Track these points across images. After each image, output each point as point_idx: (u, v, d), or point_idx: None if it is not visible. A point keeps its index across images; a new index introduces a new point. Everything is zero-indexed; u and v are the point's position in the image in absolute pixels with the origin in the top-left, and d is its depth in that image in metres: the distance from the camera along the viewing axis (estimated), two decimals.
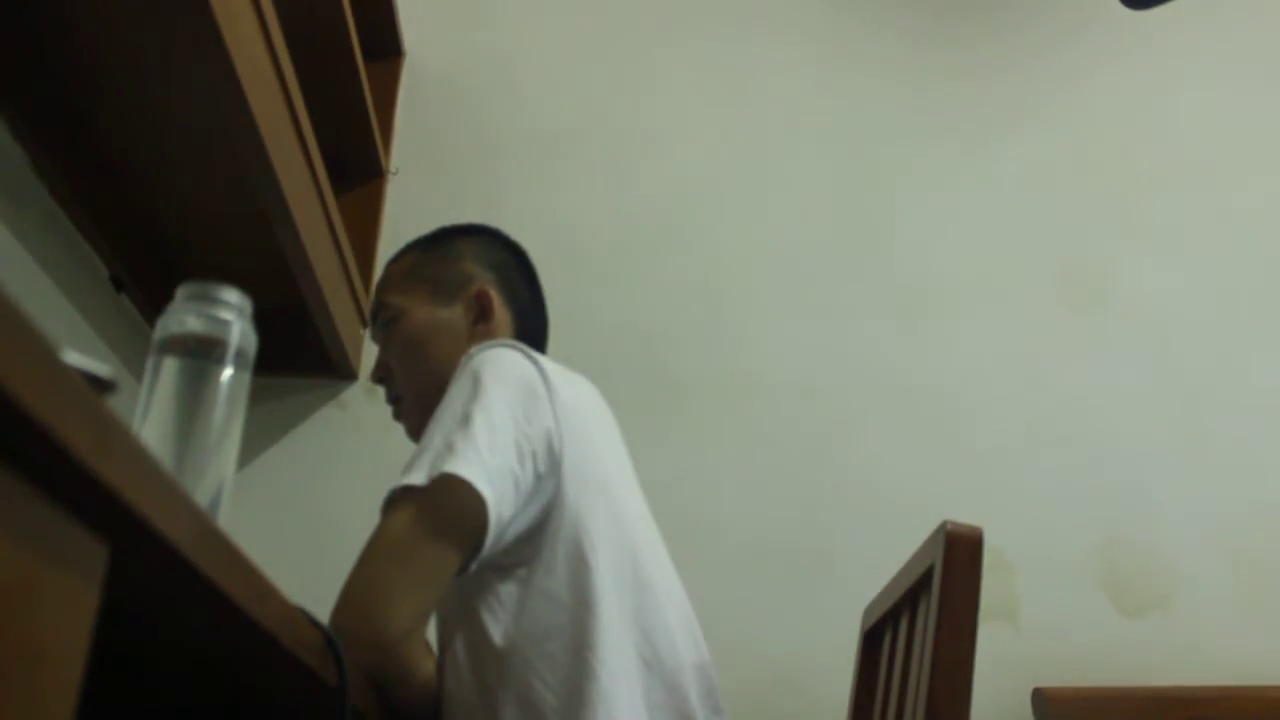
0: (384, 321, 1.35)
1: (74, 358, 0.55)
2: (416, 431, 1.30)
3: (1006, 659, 2.02)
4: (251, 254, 1.70)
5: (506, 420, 1.10)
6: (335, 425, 2.17)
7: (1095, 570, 2.15)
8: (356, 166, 2.22)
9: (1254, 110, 2.47)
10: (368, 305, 2.21)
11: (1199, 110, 2.47)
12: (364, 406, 2.19)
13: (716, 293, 2.30)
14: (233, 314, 0.81)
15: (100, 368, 0.60)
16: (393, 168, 2.33)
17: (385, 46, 2.36)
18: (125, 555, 0.41)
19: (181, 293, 0.81)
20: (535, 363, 1.17)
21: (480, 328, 1.32)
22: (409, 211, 2.30)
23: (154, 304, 1.82)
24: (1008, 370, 2.27)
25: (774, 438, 2.20)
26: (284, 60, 1.44)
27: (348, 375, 2.18)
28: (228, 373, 0.80)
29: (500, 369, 1.14)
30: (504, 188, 2.32)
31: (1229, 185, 2.42)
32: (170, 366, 0.79)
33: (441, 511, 1.04)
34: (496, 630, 1.09)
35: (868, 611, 1.52)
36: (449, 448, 1.06)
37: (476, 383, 1.12)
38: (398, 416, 1.36)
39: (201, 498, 0.78)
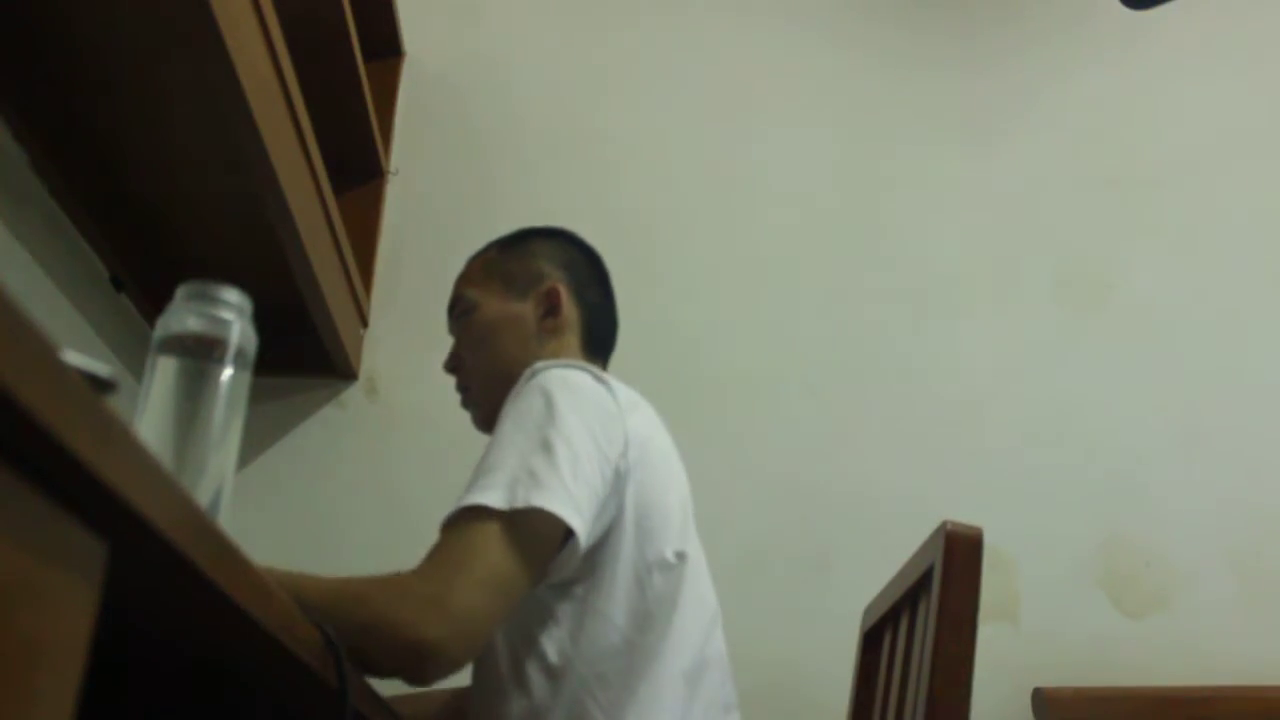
0: (459, 314, 1.39)
1: (74, 358, 0.55)
2: (483, 420, 1.35)
3: (1006, 659, 2.02)
4: (251, 254, 1.70)
5: (587, 446, 1.10)
6: (335, 425, 2.17)
7: (1095, 570, 2.15)
8: (356, 166, 2.22)
9: (1254, 107, 2.47)
10: (368, 305, 2.21)
11: (1200, 107, 2.47)
12: (364, 406, 2.19)
13: (714, 292, 2.30)
14: (233, 314, 0.81)
15: (100, 368, 0.60)
16: (393, 168, 2.33)
17: (385, 46, 2.36)
18: (125, 555, 0.41)
19: (181, 293, 0.81)
20: (605, 384, 1.18)
21: (549, 323, 1.35)
22: (409, 211, 2.29)
23: (154, 304, 1.83)
24: (1007, 370, 2.27)
25: (773, 438, 2.20)
26: (284, 60, 1.44)
27: (348, 375, 2.18)
28: (228, 373, 0.80)
29: (575, 392, 1.14)
30: (504, 187, 2.32)
31: (1229, 184, 2.41)
32: (170, 366, 0.79)
33: (533, 546, 1.04)
34: (551, 648, 1.11)
35: (868, 612, 1.52)
36: (531, 475, 1.04)
37: (550, 404, 1.11)
38: (465, 405, 1.39)
39: (201, 498, 0.78)
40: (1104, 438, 2.22)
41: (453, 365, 1.39)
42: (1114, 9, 1.96)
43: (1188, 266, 2.36)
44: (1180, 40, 2.49)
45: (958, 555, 1.06)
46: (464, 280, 1.42)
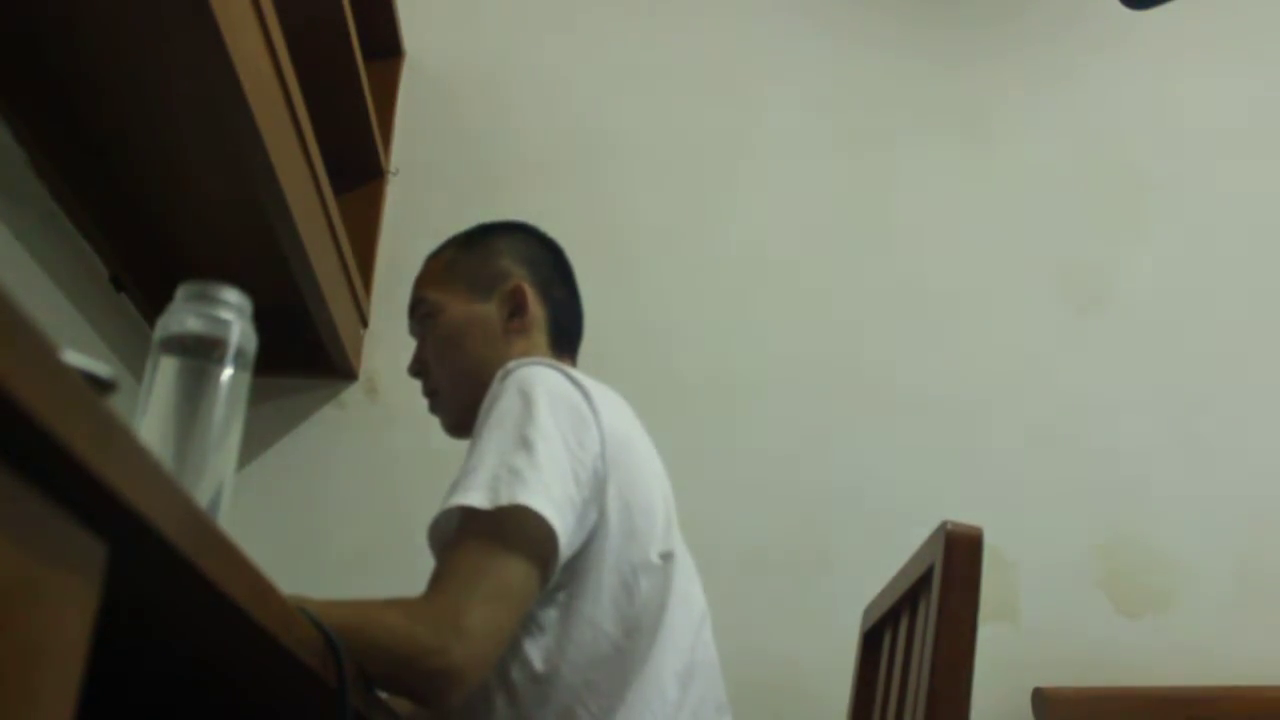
0: (421, 316, 1.36)
1: (74, 358, 0.55)
2: (452, 425, 1.34)
3: (1006, 659, 2.02)
4: (251, 254, 1.70)
5: (562, 448, 1.09)
6: (335, 425, 2.17)
7: (1095, 570, 2.15)
8: (356, 166, 2.22)
9: (1256, 106, 2.47)
10: (368, 305, 2.21)
11: (1201, 106, 2.47)
12: (364, 406, 2.19)
13: (715, 292, 2.30)
14: (233, 314, 0.81)
15: (100, 368, 0.60)
16: (393, 168, 2.33)
17: (385, 46, 2.36)
18: (125, 555, 0.41)
19: (181, 293, 0.81)
20: (578, 385, 1.17)
21: (515, 323, 1.32)
22: (409, 211, 2.29)
23: (154, 304, 1.82)
24: (1008, 370, 2.27)
25: (773, 438, 2.20)
26: (284, 60, 1.44)
27: (348, 375, 2.18)
28: (228, 373, 0.80)
29: (550, 392, 1.12)
30: (504, 187, 2.32)
31: (1230, 183, 2.41)
32: (170, 366, 0.79)
33: (529, 549, 1.03)
34: (537, 655, 1.10)
35: (868, 612, 1.52)
36: (513, 473, 1.04)
37: (529, 403, 1.10)
38: (433, 410, 1.37)
39: (201, 498, 0.78)
40: (1104, 438, 2.22)
41: (417, 369, 1.37)
42: (1114, 6, 1.96)
43: (1188, 266, 2.36)
44: (1182, 38, 2.49)
45: (958, 555, 1.06)
46: (424, 281, 1.38)
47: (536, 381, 1.13)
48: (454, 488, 1.06)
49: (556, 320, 1.36)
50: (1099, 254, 2.37)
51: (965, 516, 1.08)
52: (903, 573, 1.27)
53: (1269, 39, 2.52)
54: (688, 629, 1.19)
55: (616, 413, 1.20)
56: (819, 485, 2.17)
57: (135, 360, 1.76)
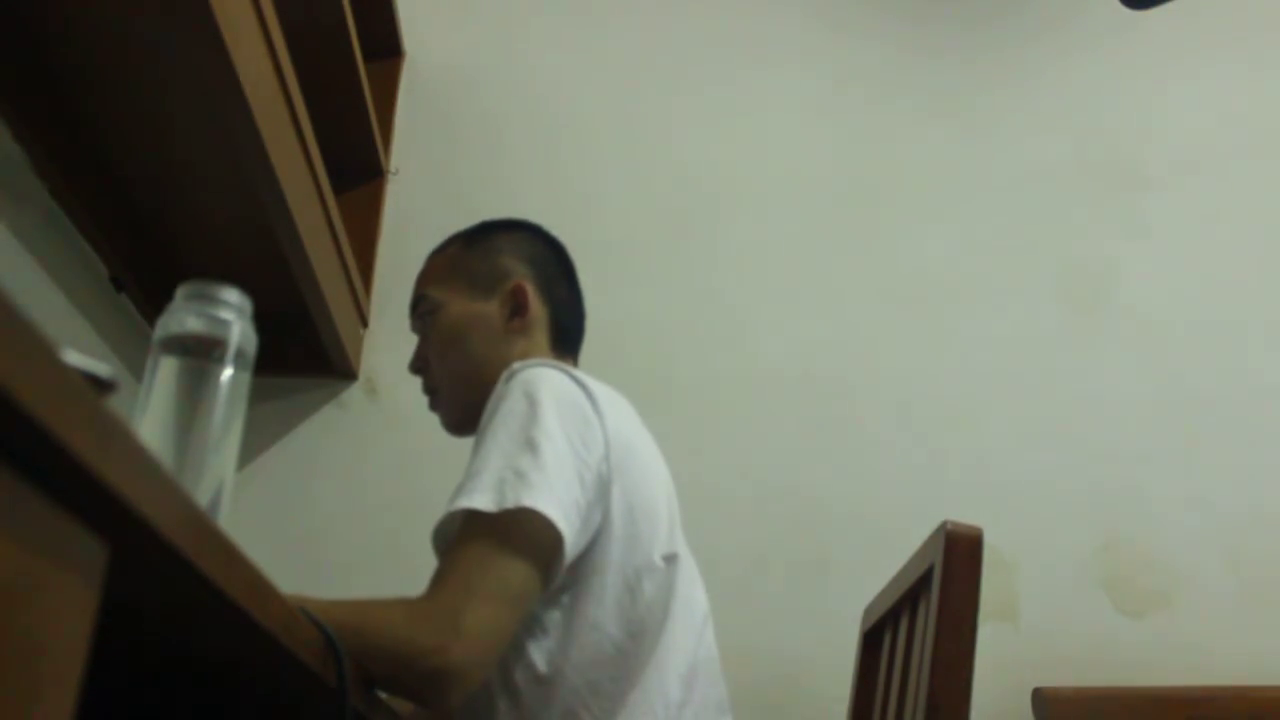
0: (422, 313, 1.36)
1: (74, 358, 0.55)
2: (453, 424, 1.34)
3: (1006, 659, 2.02)
4: (251, 254, 1.70)
5: (567, 450, 1.09)
6: (335, 425, 2.17)
7: (1095, 570, 2.15)
8: (356, 166, 2.22)
9: (1255, 104, 2.47)
10: (368, 305, 2.21)
11: (1201, 103, 2.47)
12: (364, 406, 2.19)
13: (715, 291, 2.30)
14: (233, 314, 0.81)
15: (100, 368, 0.60)
16: (393, 168, 2.33)
17: (385, 46, 2.36)
18: (125, 555, 0.41)
19: (181, 293, 0.81)
20: (583, 386, 1.16)
21: (515, 322, 1.32)
22: (409, 211, 2.30)
23: (154, 304, 1.83)
24: (1007, 370, 2.27)
25: (773, 439, 2.20)
26: (284, 60, 1.44)
27: (348, 375, 2.18)
28: (228, 373, 0.80)
29: (555, 394, 1.12)
30: (504, 187, 2.32)
31: (1230, 182, 2.41)
32: (170, 366, 0.79)
33: (532, 550, 1.03)
34: (541, 657, 1.10)
35: (868, 612, 1.52)
36: (519, 475, 1.04)
37: (534, 405, 1.10)
38: (433, 408, 1.37)
39: (201, 498, 0.78)
40: (1104, 438, 2.22)
41: (418, 367, 1.37)
42: (1114, 4, 1.96)
43: (1188, 266, 2.36)
44: (1182, 36, 2.49)
45: (958, 555, 1.06)
46: (426, 278, 1.38)
47: (541, 383, 1.13)
48: (459, 490, 1.05)
49: (558, 319, 1.36)
50: (1099, 253, 2.37)
51: (965, 516, 1.08)
52: (903, 573, 1.27)
53: (1268, 38, 2.52)
54: (690, 630, 1.19)
55: (621, 415, 1.20)
56: (819, 485, 2.17)
57: (135, 360, 1.76)
